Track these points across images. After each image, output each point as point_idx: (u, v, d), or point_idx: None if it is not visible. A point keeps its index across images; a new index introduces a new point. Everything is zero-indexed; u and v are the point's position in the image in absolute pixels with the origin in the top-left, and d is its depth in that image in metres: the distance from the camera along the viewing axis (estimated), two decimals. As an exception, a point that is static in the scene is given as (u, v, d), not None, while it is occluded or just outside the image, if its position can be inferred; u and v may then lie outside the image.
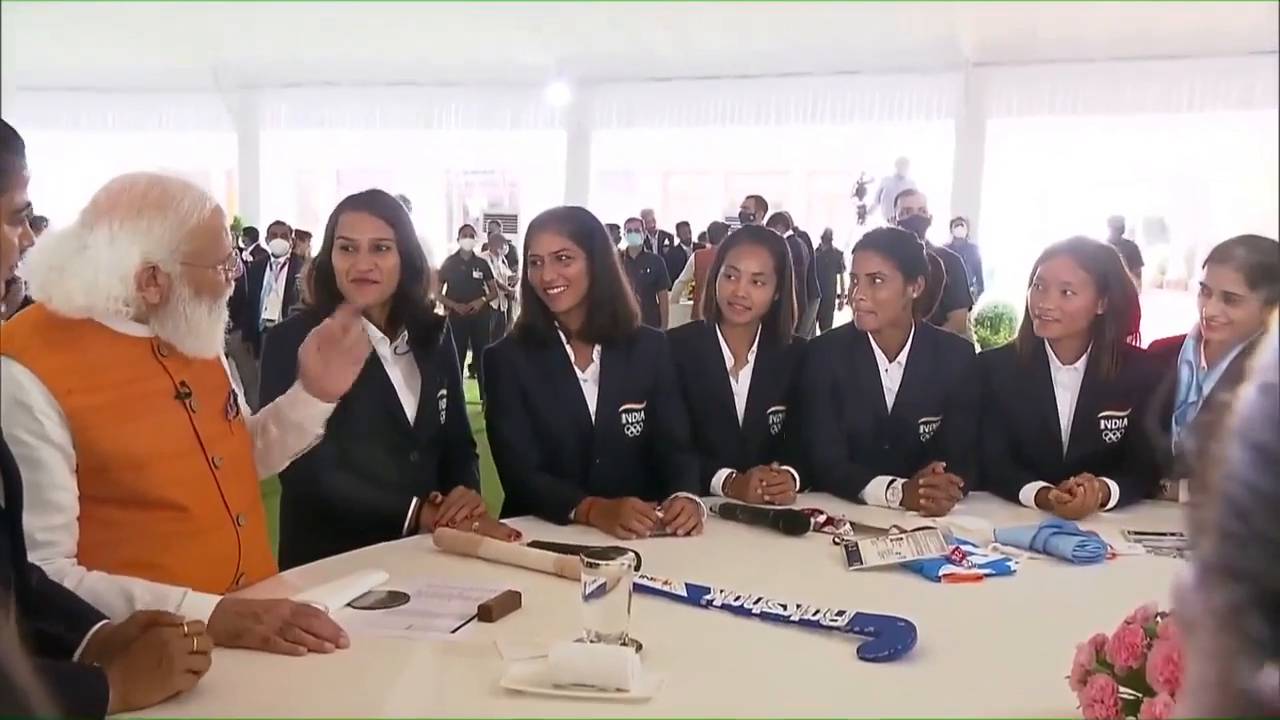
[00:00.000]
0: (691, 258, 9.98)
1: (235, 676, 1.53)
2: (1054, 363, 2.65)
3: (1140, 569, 2.14)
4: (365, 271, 2.27)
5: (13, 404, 1.61)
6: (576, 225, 2.47)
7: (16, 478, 1.45)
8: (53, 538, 1.64)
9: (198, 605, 1.63)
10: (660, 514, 2.30)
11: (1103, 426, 2.63)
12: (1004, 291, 10.72)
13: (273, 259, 8.08)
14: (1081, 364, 2.63)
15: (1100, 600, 1.88)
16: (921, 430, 2.70)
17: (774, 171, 17.83)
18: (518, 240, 12.21)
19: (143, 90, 14.11)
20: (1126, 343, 2.64)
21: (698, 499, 2.39)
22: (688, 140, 16.21)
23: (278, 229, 8.42)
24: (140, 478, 1.73)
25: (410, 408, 2.39)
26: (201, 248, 1.76)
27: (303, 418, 2.02)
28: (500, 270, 10.09)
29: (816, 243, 10.84)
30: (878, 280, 2.62)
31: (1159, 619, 1.28)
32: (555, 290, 2.43)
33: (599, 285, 2.45)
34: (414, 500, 2.29)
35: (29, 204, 1.42)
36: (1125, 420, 2.62)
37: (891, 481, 2.54)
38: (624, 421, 2.53)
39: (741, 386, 2.72)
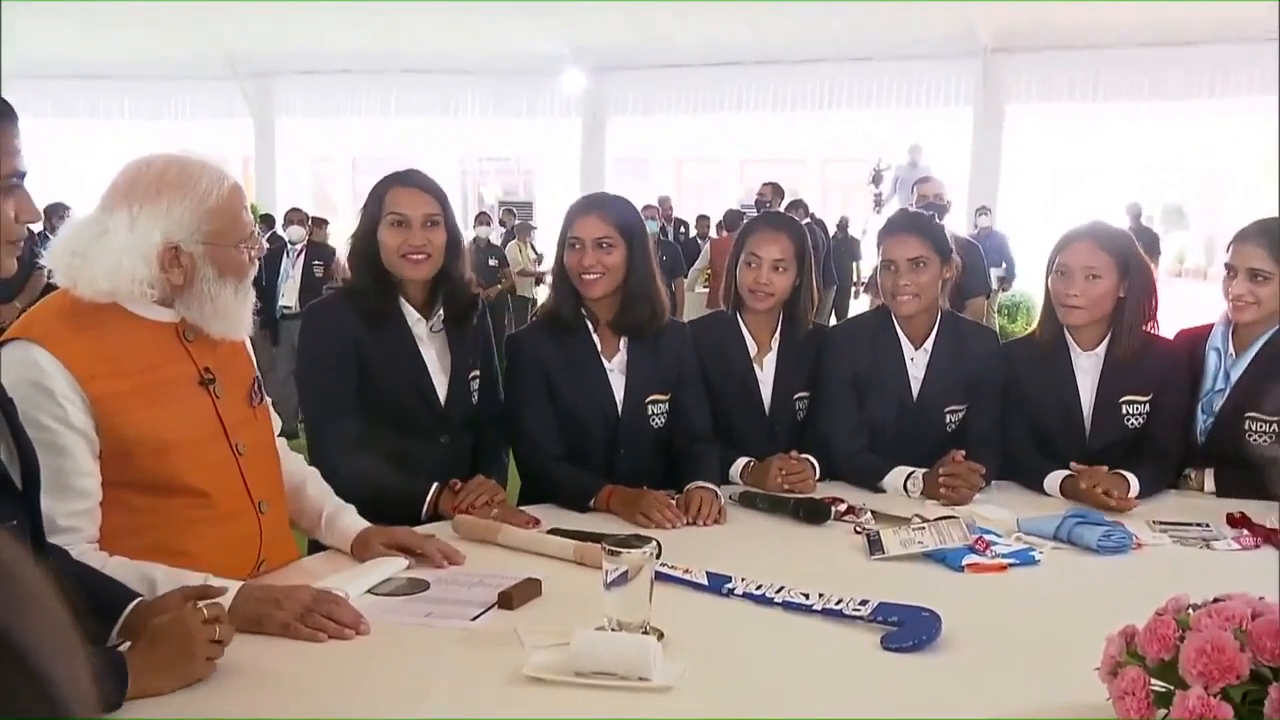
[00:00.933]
0: (707, 245, 9.96)
1: (256, 662, 1.53)
2: (1074, 349, 2.63)
3: (1166, 559, 2.12)
4: (420, 246, 2.28)
5: (36, 389, 1.61)
6: (620, 215, 2.45)
7: (34, 461, 1.44)
8: (75, 523, 1.64)
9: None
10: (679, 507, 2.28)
11: (1125, 412, 2.60)
12: (1021, 280, 10.64)
13: (289, 246, 8.09)
14: (1102, 349, 2.61)
15: (1126, 591, 1.87)
16: (947, 420, 2.67)
17: (789, 159, 17.76)
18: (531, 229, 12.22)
19: (160, 78, 14.13)
20: (1147, 329, 2.61)
21: (715, 488, 2.38)
22: (703, 128, 16.15)
23: (295, 216, 8.43)
24: (163, 464, 1.73)
25: (442, 388, 2.40)
26: (222, 227, 1.75)
27: (325, 537, 2.06)
28: (529, 256, 10.09)
29: (832, 230, 10.79)
30: (920, 264, 2.58)
31: (1191, 610, 1.26)
32: (592, 276, 2.42)
33: (634, 277, 2.44)
34: (434, 485, 2.29)
35: (21, 173, 1.40)
36: (1147, 406, 2.60)
37: (911, 473, 2.52)
38: (650, 413, 2.52)
39: (766, 374, 2.70)
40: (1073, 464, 2.45)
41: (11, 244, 1.42)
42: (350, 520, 2.04)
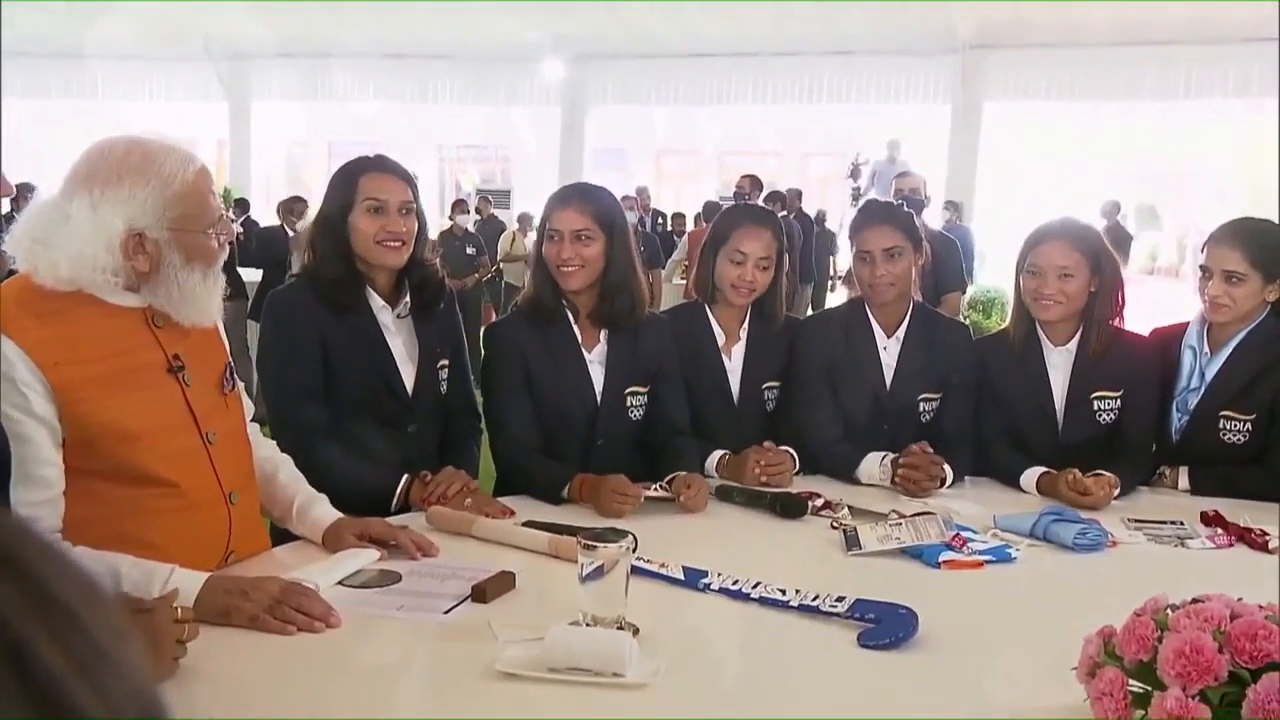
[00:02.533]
0: (685, 237, 9.95)
1: (223, 655, 1.50)
2: (1046, 345, 2.64)
3: (1141, 557, 2.12)
4: (398, 233, 2.26)
5: None
6: (600, 206, 2.43)
7: (5, 449, 1.41)
8: (36, 513, 1.60)
9: (185, 582, 1.59)
10: (657, 491, 2.26)
11: (1096, 408, 2.61)
12: (996, 276, 10.70)
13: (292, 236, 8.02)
14: (1073, 345, 2.62)
15: (1102, 589, 1.87)
16: (922, 409, 2.68)
17: (768, 152, 17.74)
18: (508, 216, 12.18)
19: (135, 59, 13.98)
20: (1116, 325, 2.63)
21: (701, 477, 2.37)
22: (681, 119, 16.13)
23: (291, 204, 8.35)
24: (130, 452, 1.69)
25: (409, 377, 2.36)
26: (188, 212, 1.70)
27: (297, 527, 2.03)
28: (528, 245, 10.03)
29: (812, 225, 10.79)
30: (895, 254, 2.60)
31: (1170, 611, 1.25)
32: (569, 269, 2.39)
33: (613, 269, 2.42)
34: (404, 476, 2.26)
35: None
36: (1118, 402, 2.61)
37: (884, 458, 2.52)
38: (629, 404, 2.51)
39: (735, 364, 2.70)
40: (1071, 477, 2.44)
41: None
42: (322, 510, 2.01)
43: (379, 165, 2.32)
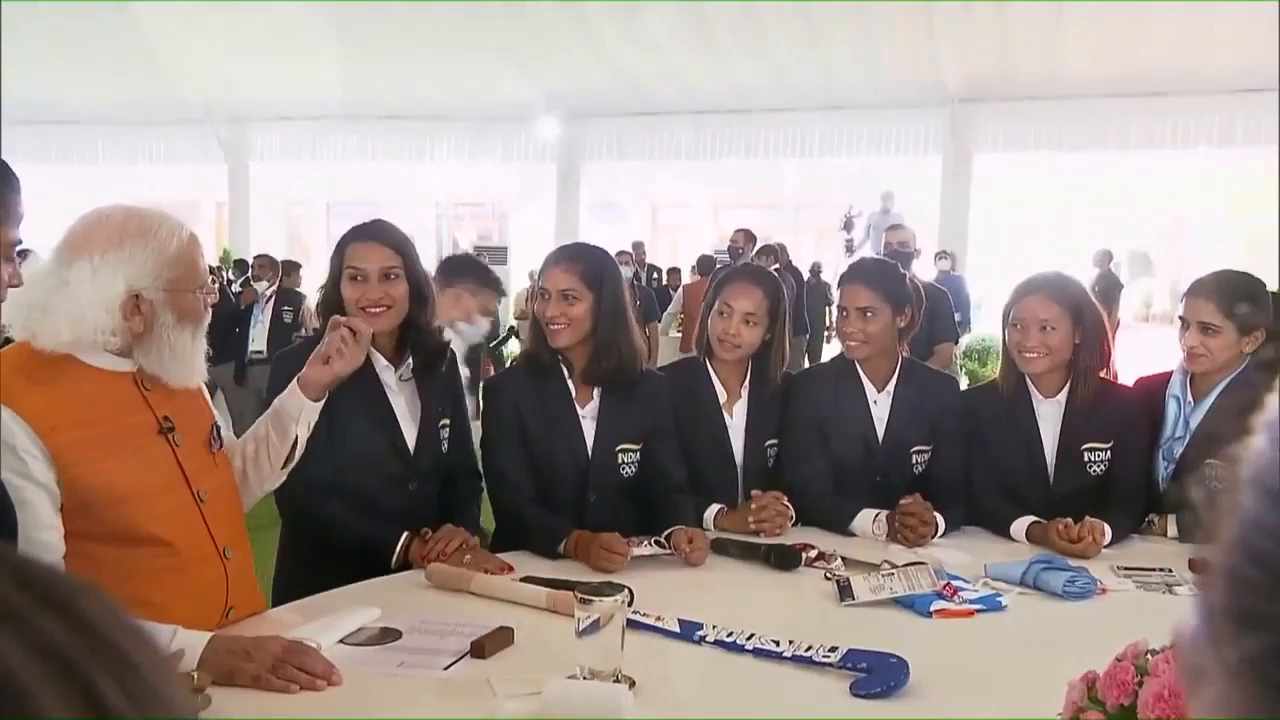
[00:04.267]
0: (680, 290, 10.03)
1: (227, 715, 1.52)
2: (1035, 396, 2.68)
3: (1130, 604, 2.15)
4: (376, 300, 2.31)
5: None
6: (588, 265, 2.48)
7: (12, 518, 1.44)
8: (41, 576, 1.63)
9: (188, 643, 1.62)
10: (648, 547, 2.30)
11: (1087, 459, 2.65)
12: (992, 325, 10.76)
13: (259, 295, 8.12)
14: (1062, 397, 2.67)
15: (1091, 636, 1.89)
16: (914, 460, 2.72)
17: (762, 205, 17.93)
18: (506, 273, 12.28)
19: (133, 123, 14.16)
20: (1104, 378, 2.68)
21: (700, 530, 2.41)
22: (676, 173, 16.32)
23: (260, 263, 8.47)
24: (124, 513, 1.73)
25: (411, 436, 2.41)
26: (182, 274, 1.78)
27: (289, 408, 2.07)
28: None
29: (806, 275, 10.88)
30: (868, 314, 2.65)
31: (1149, 655, 1.29)
32: (556, 327, 2.45)
33: (603, 328, 2.47)
34: (404, 533, 2.30)
35: (20, 242, 1.43)
36: (1109, 453, 2.65)
37: (878, 515, 2.56)
38: (619, 461, 2.54)
39: (737, 422, 2.73)
40: (1062, 526, 2.47)
41: None
42: (285, 396, 2.07)
43: (362, 234, 2.38)
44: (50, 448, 1.65)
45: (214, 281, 1.90)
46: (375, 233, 2.38)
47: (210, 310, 1.89)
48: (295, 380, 2.07)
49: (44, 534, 1.65)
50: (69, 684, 0.40)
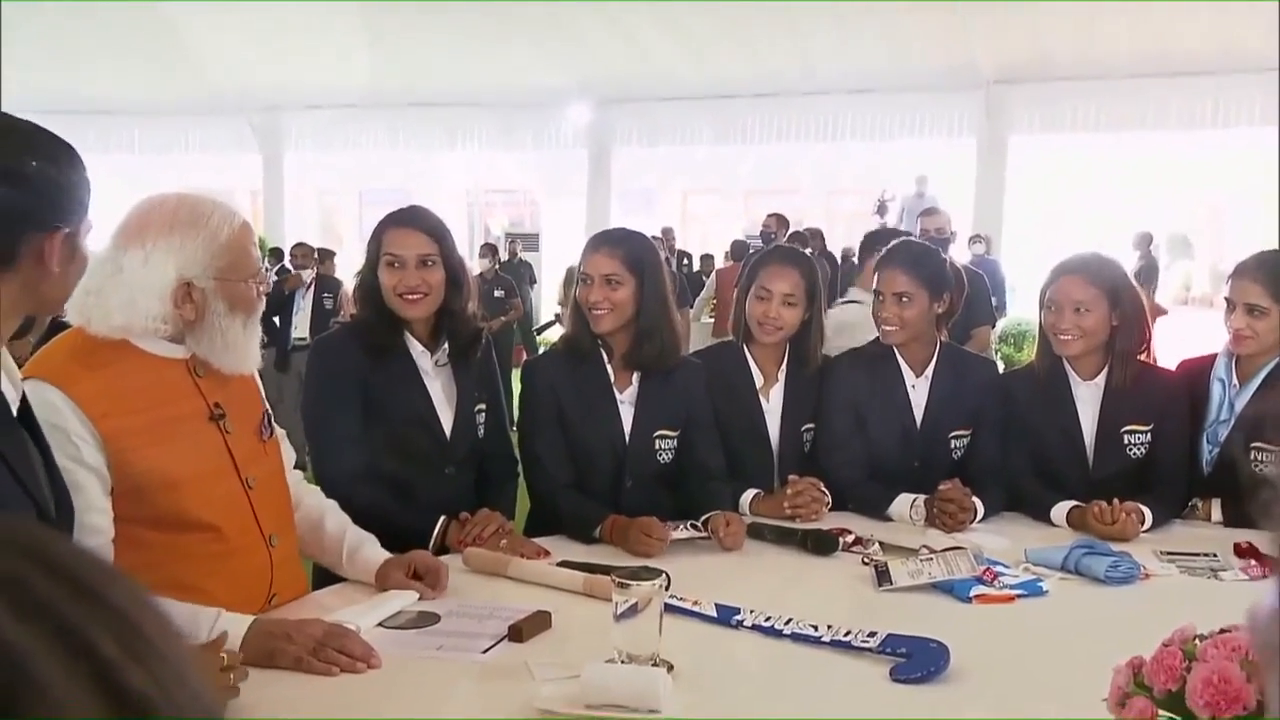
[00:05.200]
0: (712, 275, 10.00)
1: (269, 697, 1.53)
2: (1074, 378, 2.65)
3: (1174, 589, 2.12)
4: (414, 286, 2.31)
5: (50, 429, 1.62)
6: (630, 250, 2.48)
7: (67, 499, 1.46)
8: (89, 559, 1.65)
9: (231, 626, 1.64)
10: (686, 531, 2.30)
11: (1127, 442, 2.61)
12: (1028, 308, 10.65)
13: (302, 282, 8.18)
14: (1101, 379, 2.63)
15: (1134, 621, 1.87)
16: (953, 445, 2.69)
17: (793, 190, 17.82)
18: (537, 259, 12.30)
19: (169, 113, 14.26)
20: (1144, 360, 2.64)
21: (738, 515, 2.40)
22: (707, 159, 16.25)
23: (299, 252, 8.51)
24: (174, 499, 1.75)
25: (447, 421, 2.41)
26: (233, 262, 1.78)
27: (349, 572, 2.08)
28: None
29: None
30: (905, 300, 2.62)
31: (1198, 640, 1.27)
32: (599, 312, 2.45)
33: (645, 313, 2.46)
34: (441, 518, 2.31)
35: (90, 225, 1.44)
36: (1149, 436, 2.61)
37: (915, 500, 2.54)
38: (657, 447, 2.54)
39: (773, 406, 2.72)
40: (1098, 509, 2.45)
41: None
42: (372, 551, 2.06)
43: (399, 220, 2.38)
44: (102, 432, 1.67)
45: (267, 270, 1.90)
46: (412, 219, 2.39)
47: (264, 299, 1.89)
48: (380, 569, 2.03)
49: (94, 517, 1.67)
50: (64, 642, 0.40)
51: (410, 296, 2.32)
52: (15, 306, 1.35)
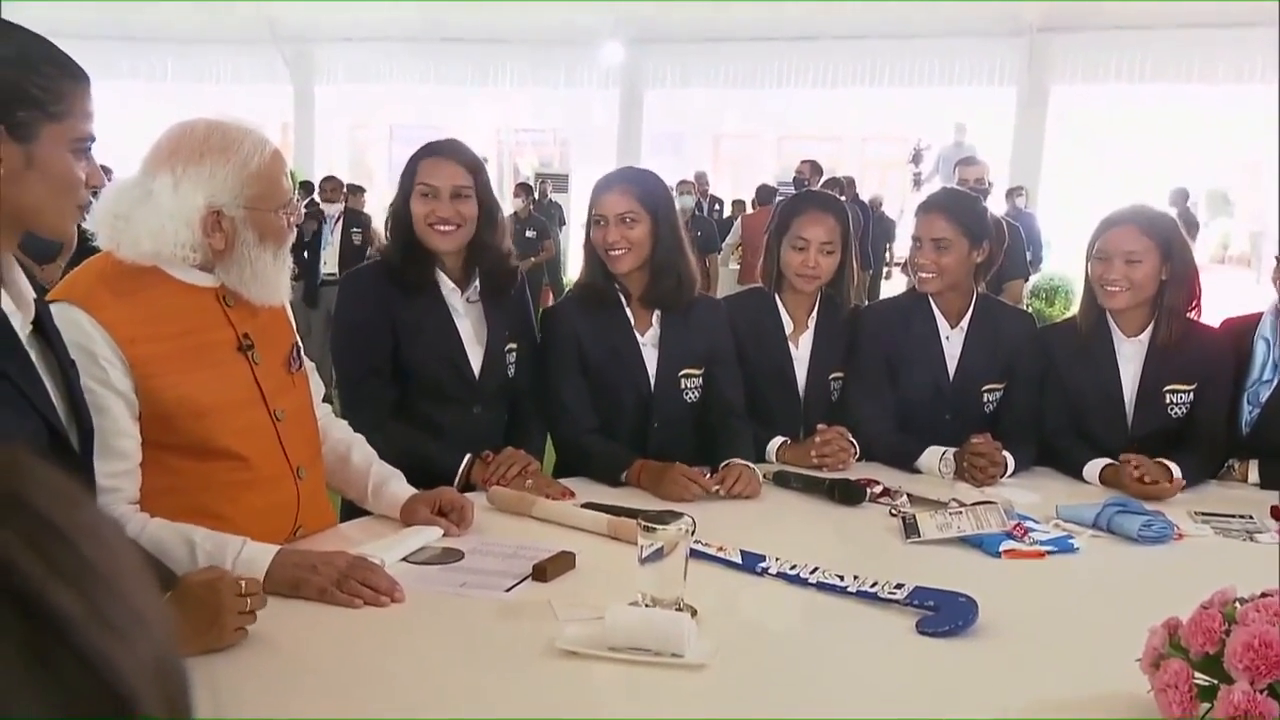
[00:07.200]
0: (738, 220, 9.89)
1: (291, 627, 1.54)
2: (1117, 335, 2.59)
3: (1208, 551, 2.09)
4: (446, 217, 2.29)
5: (78, 351, 1.62)
6: (644, 188, 2.44)
7: (90, 426, 1.46)
8: (116, 484, 1.66)
9: (256, 555, 1.65)
10: (713, 480, 2.28)
11: (1168, 401, 2.56)
12: (1060, 263, 10.51)
13: (327, 215, 8.16)
14: (1145, 336, 2.57)
15: (1166, 581, 1.85)
16: (985, 399, 2.65)
17: (827, 136, 17.57)
18: (566, 200, 12.22)
19: (203, 41, 14.18)
20: (1190, 318, 2.57)
21: (752, 465, 2.37)
22: (740, 103, 16.03)
23: (329, 186, 8.48)
24: (201, 427, 1.74)
25: (476, 359, 2.40)
26: (263, 191, 1.75)
27: (374, 506, 2.07)
28: None
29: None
30: (942, 245, 2.57)
31: (1238, 604, 1.24)
32: (617, 252, 2.41)
33: (661, 250, 2.43)
34: (467, 456, 2.30)
35: (92, 138, 1.40)
36: (1191, 395, 2.56)
37: (944, 453, 2.51)
38: (683, 386, 2.51)
39: (802, 353, 2.69)
40: (1122, 456, 2.41)
41: (80, 208, 1.42)
42: (398, 487, 2.06)
43: (435, 150, 2.35)
44: (129, 357, 1.66)
45: (298, 201, 1.87)
46: (449, 150, 2.35)
47: (295, 230, 1.86)
48: (405, 504, 2.02)
49: (121, 441, 1.67)
50: None
51: (442, 228, 2.29)
52: None
